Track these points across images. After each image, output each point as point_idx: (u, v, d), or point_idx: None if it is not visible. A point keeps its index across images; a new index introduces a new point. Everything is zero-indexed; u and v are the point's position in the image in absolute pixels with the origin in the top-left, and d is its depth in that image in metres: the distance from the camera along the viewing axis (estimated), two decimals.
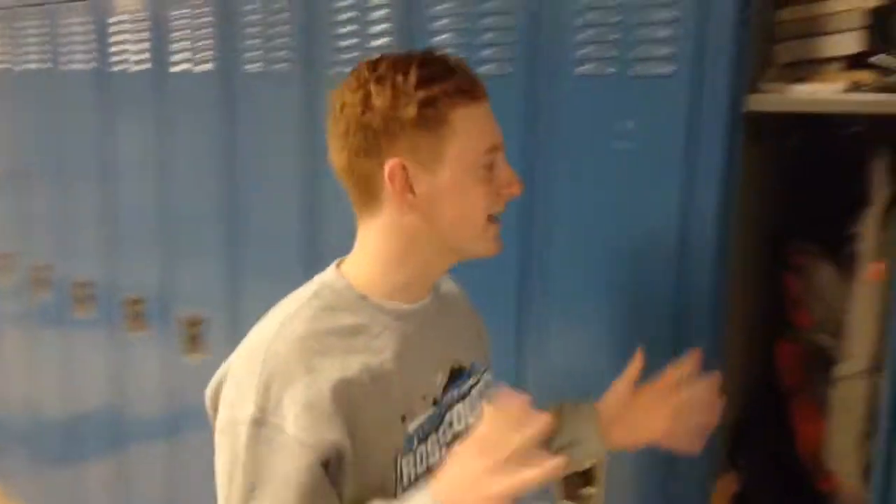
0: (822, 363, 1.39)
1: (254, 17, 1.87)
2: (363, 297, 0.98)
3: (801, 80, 1.32)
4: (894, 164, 1.25)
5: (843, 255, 1.35)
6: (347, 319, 0.96)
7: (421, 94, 0.92)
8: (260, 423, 0.88)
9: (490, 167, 0.98)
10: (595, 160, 1.38)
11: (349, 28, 1.70)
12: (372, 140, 0.94)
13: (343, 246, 1.05)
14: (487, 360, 1.17)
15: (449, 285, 1.16)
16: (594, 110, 1.38)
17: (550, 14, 1.40)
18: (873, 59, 1.24)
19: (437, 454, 1.00)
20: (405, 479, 0.95)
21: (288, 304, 0.99)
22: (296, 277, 1.05)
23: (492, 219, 1.00)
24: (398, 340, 0.98)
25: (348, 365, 0.92)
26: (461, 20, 1.51)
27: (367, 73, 0.95)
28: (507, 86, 1.44)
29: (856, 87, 1.22)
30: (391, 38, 1.63)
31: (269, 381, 0.89)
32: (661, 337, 1.32)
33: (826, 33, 1.30)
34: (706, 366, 1.19)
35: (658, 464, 1.36)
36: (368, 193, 0.98)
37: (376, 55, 0.99)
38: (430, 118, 0.93)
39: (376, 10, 1.65)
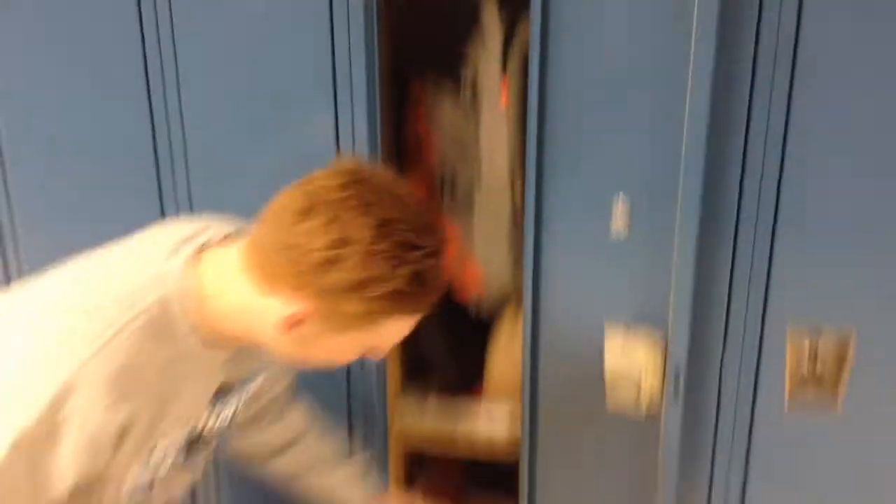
0: (448, 187, 1.62)
1: None
2: (195, 329, 0.87)
3: None
4: (503, 8, 1.47)
5: (459, 90, 1.56)
6: (165, 351, 0.85)
7: (387, 304, 0.80)
8: (34, 438, 0.78)
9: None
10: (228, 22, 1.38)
11: None
12: (305, 279, 0.79)
13: None
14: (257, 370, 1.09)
15: None
16: None
17: None
18: None
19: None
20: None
21: (110, 310, 0.83)
22: None
23: None
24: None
25: (135, 413, 0.84)
26: None
27: (368, 232, 0.77)
28: None
29: None
30: None
31: (60, 402, 0.78)
32: None
33: None
34: None
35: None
36: (264, 283, 0.83)
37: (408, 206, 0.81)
38: (365, 318, 0.83)
39: None
